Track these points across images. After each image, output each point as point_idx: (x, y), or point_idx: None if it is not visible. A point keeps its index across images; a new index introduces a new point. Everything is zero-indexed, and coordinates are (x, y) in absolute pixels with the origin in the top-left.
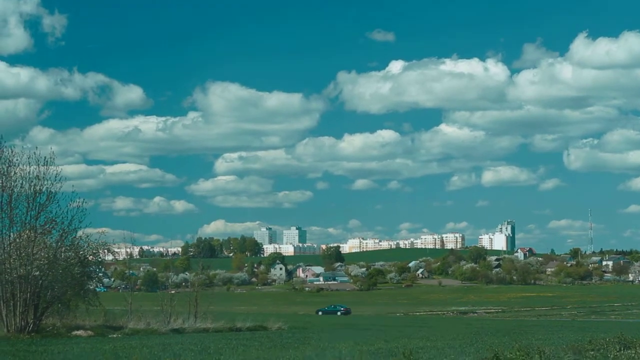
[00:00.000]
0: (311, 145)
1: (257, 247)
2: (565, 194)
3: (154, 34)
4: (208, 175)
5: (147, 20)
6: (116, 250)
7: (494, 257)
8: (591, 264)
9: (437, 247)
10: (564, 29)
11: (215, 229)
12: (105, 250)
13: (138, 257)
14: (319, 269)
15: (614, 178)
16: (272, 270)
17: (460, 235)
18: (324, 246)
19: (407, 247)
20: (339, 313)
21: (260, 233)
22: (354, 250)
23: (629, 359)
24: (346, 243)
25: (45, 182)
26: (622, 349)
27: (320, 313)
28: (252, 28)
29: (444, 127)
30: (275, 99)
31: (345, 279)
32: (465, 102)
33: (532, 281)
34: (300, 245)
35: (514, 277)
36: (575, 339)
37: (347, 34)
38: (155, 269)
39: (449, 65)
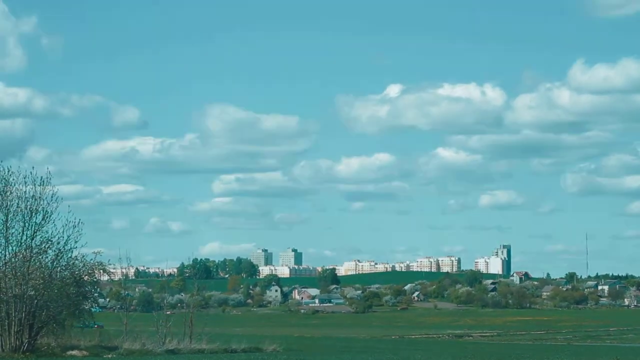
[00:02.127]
0: (308, 168)
1: (252, 269)
2: (562, 218)
3: (151, 56)
4: (204, 196)
5: (145, 43)
6: (112, 270)
7: (489, 281)
8: (587, 288)
9: (433, 270)
10: (562, 54)
11: (211, 250)
12: (101, 271)
13: (134, 277)
14: (314, 291)
15: (611, 202)
16: (267, 292)
17: (456, 258)
18: (319, 268)
19: (403, 270)
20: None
21: (256, 255)
22: (349, 273)
23: None
24: (342, 265)
25: (42, 202)
26: None
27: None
28: (250, 51)
29: (441, 151)
30: (272, 121)
31: (341, 301)
32: (462, 126)
33: (528, 305)
34: (296, 267)
35: (510, 301)
36: None
37: (346, 57)
38: (150, 290)
39: (447, 89)
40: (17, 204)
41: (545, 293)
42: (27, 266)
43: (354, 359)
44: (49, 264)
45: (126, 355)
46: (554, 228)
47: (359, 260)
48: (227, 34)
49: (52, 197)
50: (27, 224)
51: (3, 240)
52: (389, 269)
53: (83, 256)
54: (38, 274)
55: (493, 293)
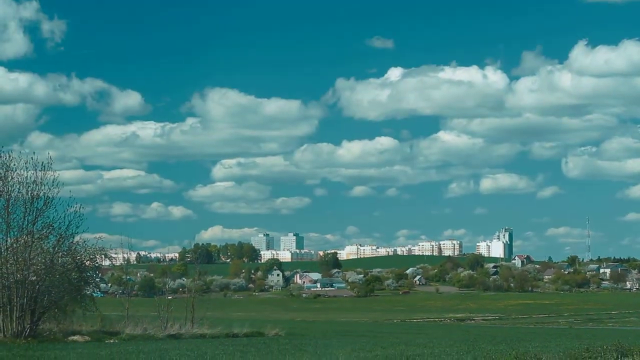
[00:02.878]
0: (309, 152)
1: (254, 254)
2: (564, 202)
3: (152, 40)
4: (206, 181)
5: (146, 26)
6: (113, 255)
7: (491, 265)
8: (589, 271)
9: (434, 254)
10: (563, 37)
11: (212, 235)
12: (103, 256)
13: (135, 262)
14: (316, 276)
15: (612, 186)
16: (269, 276)
17: (458, 242)
18: (321, 253)
19: (405, 254)
20: None
21: (257, 239)
22: (351, 257)
23: None
24: (343, 250)
25: (43, 187)
26: (620, 356)
27: None
28: (250, 35)
29: (442, 135)
30: (273, 106)
31: (343, 285)
32: (463, 109)
33: (530, 289)
34: (298, 251)
35: (512, 285)
36: (572, 347)
37: (346, 41)
38: (152, 275)
39: (448, 72)
40: (19, 189)
41: (547, 276)
42: (28, 251)
43: (355, 343)
44: (51, 249)
45: (128, 340)
46: (555, 211)
47: (360, 245)
48: (227, 20)
49: (53, 182)
50: (28, 210)
51: (4, 226)
52: (391, 253)
53: (84, 241)
54: (40, 259)
55: (495, 277)
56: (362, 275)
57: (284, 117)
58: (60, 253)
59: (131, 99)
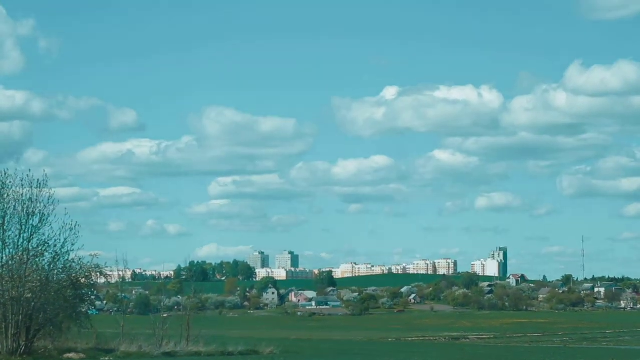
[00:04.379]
0: (305, 170)
1: (249, 271)
2: (558, 221)
3: (149, 58)
4: (201, 198)
5: (142, 44)
6: (109, 273)
7: (486, 283)
8: (583, 290)
9: (429, 272)
10: (558, 56)
11: (208, 252)
12: (98, 273)
13: (130, 280)
14: (311, 294)
15: (607, 205)
16: (264, 294)
17: (453, 261)
18: (316, 271)
19: (400, 272)
20: None
21: (252, 257)
22: (346, 275)
23: None
24: (339, 268)
25: (38, 205)
26: None
27: None
28: (247, 53)
29: (437, 153)
30: (269, 124)
31: (338, 303)
32: (459, 128)
33: (524, 307)
34: (293, 269)
35: (506, 304)
36: None
37: (342, 59)
38: (147, 292)
39: (443, 91)
40: (14, 206)
41: (541, 295)
42: (24, 269)
43: None
44: (46, 266)
45: (123, 358)
46: (550, 230)
47: (355, 263)
48: (224, 38)
49: (48, 199)
50: (23, 227)
51: (0, 243)
52: (386, 272)
53: (80, 259)
54: (35, 276)
55: (490, 295)
56: (357, 294)
57: (280, 135)
58: (56, 270)
59: (127, 117)
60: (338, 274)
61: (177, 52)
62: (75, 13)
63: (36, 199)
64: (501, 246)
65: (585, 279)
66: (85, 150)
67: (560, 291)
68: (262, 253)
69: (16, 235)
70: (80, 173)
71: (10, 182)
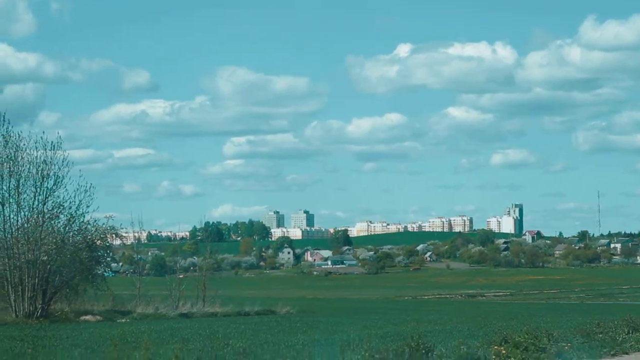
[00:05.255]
0: (319, 129)
1: (265, 231)
2: (574, 176)
3: (161, 18)
4: (216, 159)
5: (154, 5)
6: (124, 234)
7: (502, 240)
8: (599, 246)
9: (445, 230)
10: (572, 11)
11: (223, 213)
12: (113, 235)
13: (146, 241)
14: (327, 253)
15: (623, 160)
16: (280, 254)
17: (469, 218)
18: (331, 230)
19: (415, 230)
20: None
21: (268, 217)
22: (362, 234)
23: (636, 342)
24: (354, 226)
25: (53, 167)
26: (631, 331)
27: None
28: (259, 12)
29: (452, 110)
30: (283, 83)
31: (354, 262)
32: (473, 85)
33: (540, 264)
34: (308, 229)
35: (522, 260)
36: (583, 322)
37: (355, 17)
38: (163, 254)
39: (457, 48)
40: (29, 169)
41: (557, 252)
42: (39, 231)
43: (367, 320)
44: (61, 229)
45: (139, 319)
46: (565, 186)
47: (370, 221)
48: None
49: (63, 161)
50: (38, 189)
51: (15, 206)
52: (401, 230)
53: (95, 221)
54: (50, 239)
55: (505, 252)
56: (372, 253)
57: (293, 94)
58: (71, 233)
59: (140, 78)
60: (353, 232)
61: (190, 12)
62: None
63: (50, 161)
64: (517, 203)
65: (602, 234)
66: (99, 112)
67: (577, 247)
68: (277, 212)
69: (31, 198)
70: (94, 135)
71: (24, 144)
